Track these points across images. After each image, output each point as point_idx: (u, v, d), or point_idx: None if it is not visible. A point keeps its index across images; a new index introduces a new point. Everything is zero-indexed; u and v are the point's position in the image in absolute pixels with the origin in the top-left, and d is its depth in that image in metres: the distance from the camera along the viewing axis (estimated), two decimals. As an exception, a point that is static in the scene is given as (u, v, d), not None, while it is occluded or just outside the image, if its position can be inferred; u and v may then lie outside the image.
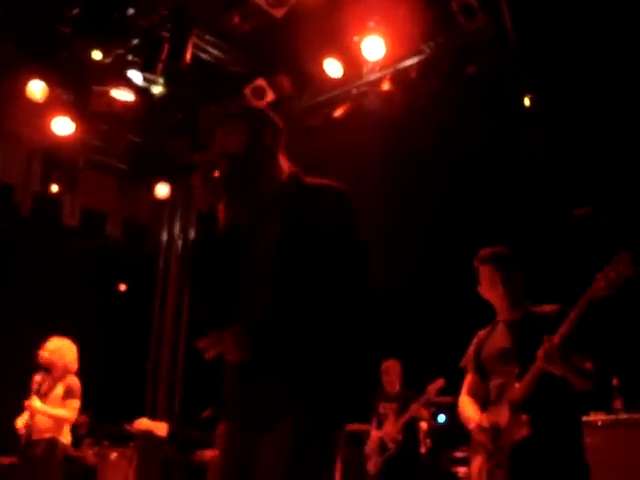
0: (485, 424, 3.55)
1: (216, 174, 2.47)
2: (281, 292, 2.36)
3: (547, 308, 3.66)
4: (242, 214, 2.54)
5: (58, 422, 6.08)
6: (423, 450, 7.76)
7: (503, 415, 3.49)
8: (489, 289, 3.80)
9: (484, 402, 3.72)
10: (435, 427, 8.11)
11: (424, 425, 7.71)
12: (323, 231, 2.39)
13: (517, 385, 3.45)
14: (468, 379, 3.90)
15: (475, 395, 3.80)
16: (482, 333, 3.88)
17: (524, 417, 3.37)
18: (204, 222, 2.56)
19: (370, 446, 7.37)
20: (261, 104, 2.45)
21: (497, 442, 3.48)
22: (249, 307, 2.42)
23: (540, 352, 3.30)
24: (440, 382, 7.15)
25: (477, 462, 3.61)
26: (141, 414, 9.70)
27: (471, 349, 3.90)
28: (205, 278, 2.53)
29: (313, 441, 2.27)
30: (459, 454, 8.15)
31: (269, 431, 2.31)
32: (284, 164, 2.60)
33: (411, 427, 7.27)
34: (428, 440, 7.93)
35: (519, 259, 3.82)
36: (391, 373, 7.44)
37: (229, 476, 2.43)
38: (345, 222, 2.44)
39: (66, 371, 6.25)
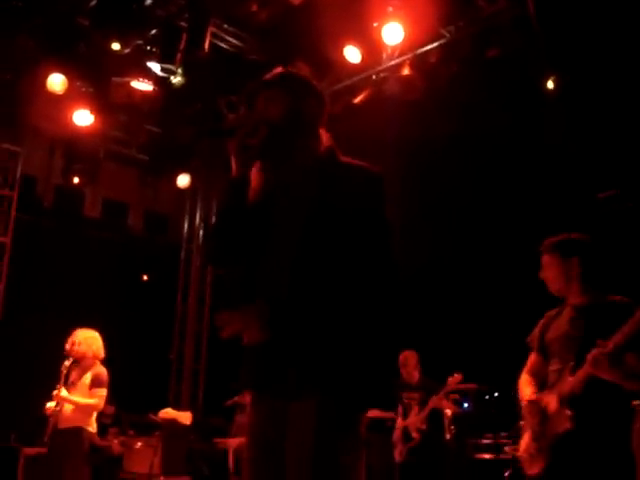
0: (536, 409, 3.60)
1: (253, 141, 2.41)
2: (303, 268, 2.31)
3: (616, 299, 3.63)
4: (275, 183, 2.48)
5: (85, 411, 6.11)
6: (448, 437, 7.74)
7: (552, 403, 3.53)
8: (547, 275, 3.85)
9: (543, 383, 3.74)
10: (459, 414, 8.09)
11: (449, 412, 7.69)
12: (353, 210, 2.34)
13: (569, 379, 3.47)
14: (531, 358, 3.92)
15: (536, 375, 3.83)
16: (550, 314, 3.89)
17: (568, 412, 3.42)
18: (234, 189, 2.48)
19: (396, 435, 7.39)
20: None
21: (543, 427, 3.54)
22: (270, 280, 2.37)
23: (589, 357, 3.31)
24: (458, 377, 7.15)
25: (526, 438, 3.69)
26: (165, 404, 9.76)
27: (537, 328, 3.92)
28: (229, 245, 2.48)
29: (337, 423, 2.23)
30: (485, 441, 8.13)
31: (295, 403, 2.28)
32: (324, 137, 2.53)
33: (436, 415, 7.27)
34: (453, 427, 7.91)
35: (580, 246, 3.82)
36: (409, 364, 7.43)
37: (258, 454, 2.39)
38: (375, 203, 2.39)
39: (94, 360, 6.29)
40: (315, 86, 2.58)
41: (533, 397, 3.68)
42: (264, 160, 2.46)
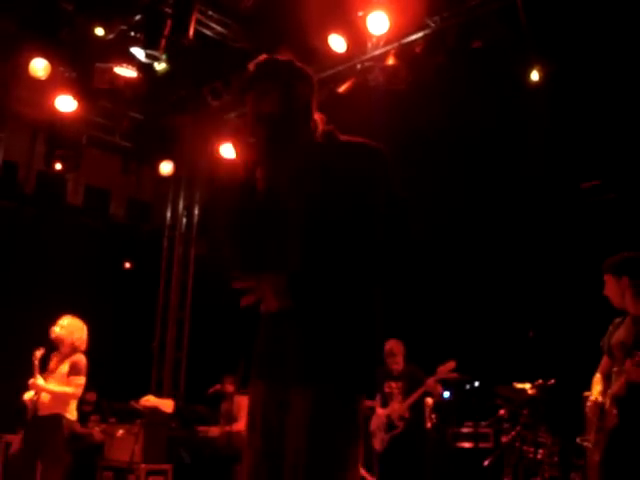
0: (596, 408, 4.28)
1: (255, 139, 2.41)
2: (311, 253, 2.31)
3: None
4: (280, 175, 2.46)
5: (63, 399, 6.11)
6: (429, 425, 7.78)
7: (607, 402, 4.21)
8: (607, 293, 4.43)
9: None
10: (440, 403, 8.13)
11: (430, 401, 7.73)
12: (355, 189, 2.33)
13: (620, 380, 4.10)
14: (603, 359, 4.50)
15: (605, 375, 4.42)
16: (617, 321, 4.44)
17: (615, 411, 4.09)
18: (245, 191, 2.48)
19: (375, 423, 7.39)
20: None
21: (601, 422, 4.21)
22: (282, 258, 2.37)
23: (626, 365, 3.99)
24: (451, 364, 7.14)
25: (592, 431, 4.37)
26: (147, 391, 9.74)
27: (607, 334, 4.47)
28: (245, 243, 2.48)
29: (336, 410, 2.25)
30: (465, 430, 8.18)
31: (295, 391, 2.29)
32: (318, 118, 2.52)
33: (417, 404, 7.28)
34: (434, 415, 7.96)
35: (629, 264, 4.35)
36: (396, 353, 7.42)
37: (261, 437, 2.39)
38: (377, 179, 2.37)
39: (74, 349, 6.27)
40: (302, 68, 2.55)
41: (595, 398, 4.35)
42: (269, 156, 2.44)
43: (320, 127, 2.50)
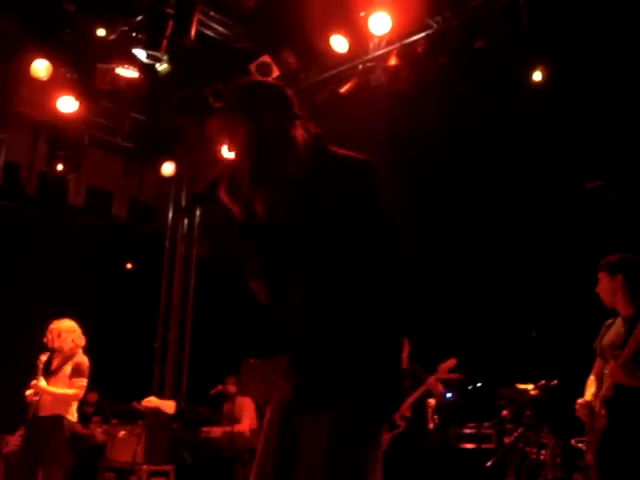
0: (585, 408, 4.33)
1: (239, 181, 2.31)
2: (313, 283, 2.25)
3: None
4: (274, 206, 2.35)
5: (65, 400, 6.12)
6: (431, 426, 7.76)
7: (597, 404, 4.24)
8: (599, 290, 4.46)
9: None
10: (443, 404, 8.11)
11: (432, 401, 7.71)
12: (346, 209, 2.24)
13: (608, 381, 4.16)
14: (596, 361, 4.52)
15: (598, 377, 4.45)
16: (608, 322, 4.47)
17: (602, 412, 4.14)
18: (246, 231, 2.41)
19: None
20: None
21: (592, 424, 4.26)
22: (288, 302, 2.33)
23: (610, 366, 4.05)
24: (452, 362, 7.11)
25: (586, 432, 4.43)
26: (149, 392, 9.74)
27: (599, 336, 4.49)
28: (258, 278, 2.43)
29: (354, 438, 2.17)
30: (467, 431, 8.16)
31: (313, 416, 2.24)
32: (299, 135, 2.36)
33: (419, 404, 7.26)
34: (436, 416, 7.94)
35: (624, 264, 4.37)
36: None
37: (277, 457, 2.33)
38: (368, 197, 2.28)
39: (74, 350, 6.28)
40: (265, 87, 2.43)
41: (586, 399, 4.38)
42: (258, 191, 2.34)
43: (307, 141, 2.37)
